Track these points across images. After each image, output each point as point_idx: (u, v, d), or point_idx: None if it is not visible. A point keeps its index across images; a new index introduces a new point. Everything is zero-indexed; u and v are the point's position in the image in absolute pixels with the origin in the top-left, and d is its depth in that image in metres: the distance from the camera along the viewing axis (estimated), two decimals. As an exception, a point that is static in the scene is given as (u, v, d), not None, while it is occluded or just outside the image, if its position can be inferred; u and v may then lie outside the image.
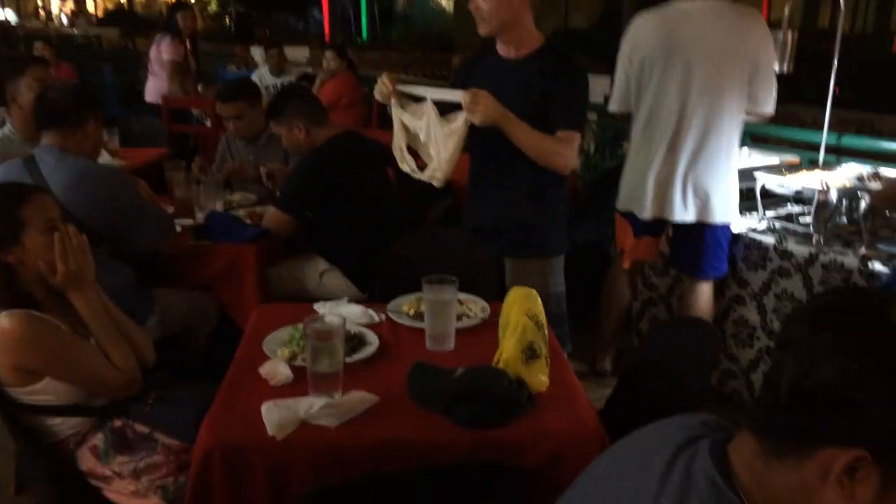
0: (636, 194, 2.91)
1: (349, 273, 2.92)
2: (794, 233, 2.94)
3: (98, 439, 1.82)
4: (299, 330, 1.88)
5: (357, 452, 1.53)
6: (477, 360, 1.77)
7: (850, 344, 0.80)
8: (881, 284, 2.52)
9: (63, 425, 1.81)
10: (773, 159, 3.27)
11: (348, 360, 1.77)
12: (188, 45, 5.92)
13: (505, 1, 2.33)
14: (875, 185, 2.79)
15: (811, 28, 11.82)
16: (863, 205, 2.79)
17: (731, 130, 2.78)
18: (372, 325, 2.06)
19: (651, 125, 2.83)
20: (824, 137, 3.35)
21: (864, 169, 3.01)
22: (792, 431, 0.83)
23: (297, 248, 3.07)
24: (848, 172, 3.08)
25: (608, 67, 3.42)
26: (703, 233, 2.89)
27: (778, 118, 3.13)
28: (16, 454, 1.94)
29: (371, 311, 2.13)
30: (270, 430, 1.53)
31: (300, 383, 1.70)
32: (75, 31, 15.92)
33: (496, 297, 2.17)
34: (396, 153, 2.42)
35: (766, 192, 3.03)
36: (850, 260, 2.67)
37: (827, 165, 3.27)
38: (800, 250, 2.81)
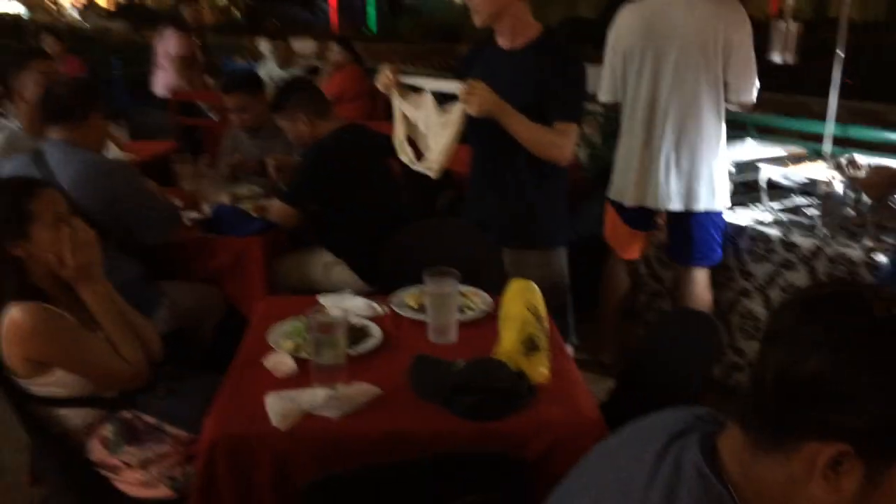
0: (621, 183, 3.00)
1: (355, 266, 2.94)
2: (800, 225, 2.94)
3: (107, 430, 1.85)
4: (303, 322, 1.90)
5: (359, 443, 1.56)
6: (479, 352, 1.79)
7: (833, 338, 0.80)
8: (879, 276, 2.52)
9: (73, 416, 1.84)
10: (779, 150, 3.27)
11: (351, 351, 1.80)
12: (195, 37, 5.93)
13: None
14: (857, 173, 2.78)
15: (822, 18, 11.70)
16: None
17: (711, 119, 2.83)
18: (375, 318, 2.08)
19: (632, 114, 2.91)
20: (829, 128, 3.33)
21: (843, 158, 3.01)
22: (777, 425, 0.84)
23: (303, 241, 3.10)
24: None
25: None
26: (689, 220, 2.93)
27: (786, 109, 3.12)
28: (30, 446, 1.98)
29: (374, 304, 2.15)
30: (274, 421, 1.55)
31: (304, 375, 1.72)
32: (86, 23, 15.96)
33: (499, 289, 2.19)
34: (396, 144, 2.44)
35: (772, 184, 3.03)
36: (856, 252, 2.67)
37: (833, 157, 3.26)
38: (805, 243, 2.81)
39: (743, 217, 3.05)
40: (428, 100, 2.32)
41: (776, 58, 2.81)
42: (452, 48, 11.26)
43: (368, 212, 2.93)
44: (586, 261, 3.24)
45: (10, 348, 1.76)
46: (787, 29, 2.93)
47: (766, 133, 3.96)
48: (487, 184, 2.58)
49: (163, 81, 5.88)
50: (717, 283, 3.13)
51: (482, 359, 1.71)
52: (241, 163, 3.43)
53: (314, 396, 1.60)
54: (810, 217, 2.95)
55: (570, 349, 2.62)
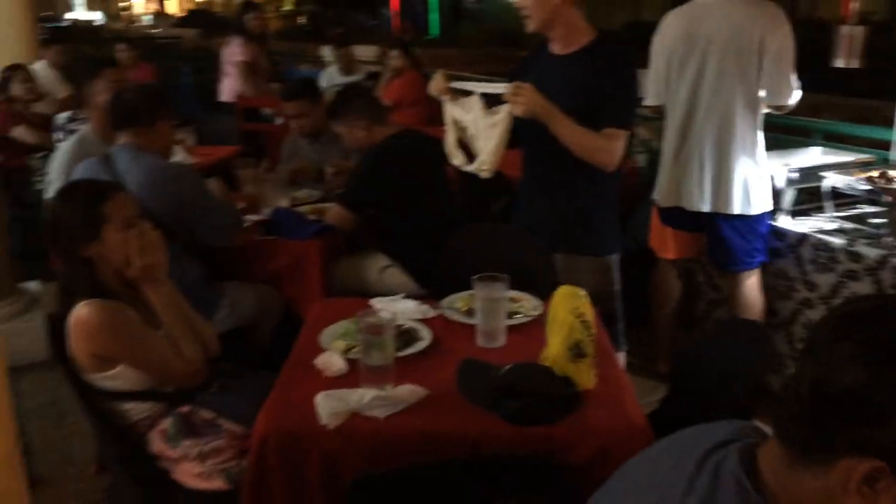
0: (660, 182, 3.05)
1: (411, 269, 2.97)
2: (866, 234, 2.84)
3: (167, 423, 1.91)
4: (354, 324, 1.95)
5: (406, 443, 1.58)
6: (527, 356, 1.80)
7: (868, 353, 0.79)
8: None
9: (135, 410, 1.92)
10: (846, 157, 3.17)
11: (401, 353, 1.83)
12: (260, 45, 6.08)
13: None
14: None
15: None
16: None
17: (746, 122, 2.82)
18: (426, 321, 2.10)
19: (672, 116, 2.96)
20: (896, 134, 3.22)
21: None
22: (812, 440, 0.84)
23: (360, 245, 3.15)
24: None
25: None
26: (722, 223, 2.93)
27: (855, 114, 3.04)
28: (96, 438, 2.07)
29: (425, 307, 2.18)
30: (323, 420, 1.59)
31: (353, 375, 1.76)
32: (157, 31, 16.56)
33: (550, 294, 2.19)
34: (447, 148, 2.46)
35: (837, 192, 2.94)
36: (924, 262, 2.57)
37: (904, 164, 3.15)
38: (871, 253, 2.72)
39: (806, 225, 2.98)
40: (476, 102, 2.34)
41: (840, 63, 2.74)
42: (513, 54, 11.24)
43: (425, 216, 2.96)
44: (641, 267, 3.21)
45: (78, 344, 1.85)
46: (853, 33, 2.85)
47: (833, 140, 3.84)
48: (537, 188, 2.58)
49: (229, 88, 6.06)
50: (778, 292, 3.06)
51: (528, 363, 1.72)
52: (300, 169, 3.51)
53: (362, 396, 1.64)
54: (876, 226, 2.85)
55: (621, 357, 2.60)
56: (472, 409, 1.66)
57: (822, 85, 3.82)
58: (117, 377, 1.88)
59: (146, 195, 2.39)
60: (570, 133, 2.31)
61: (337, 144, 3.36)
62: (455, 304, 2.19)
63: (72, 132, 3.54)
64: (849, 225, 2.92)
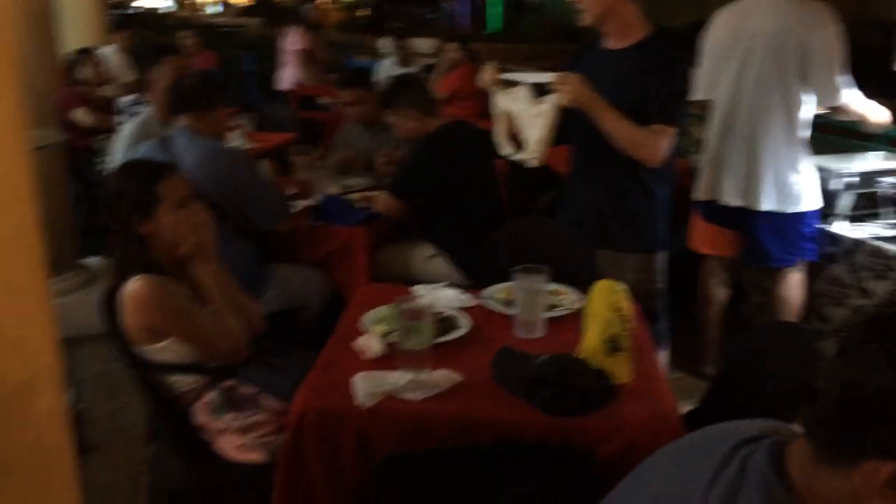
0: (700, 176, 3.06)
1: (456, 260, 3.00)
2: (923, 242, 2.76)
3: (211, 397, 1.98)
4: (394, 308, 1.98)
5: (438, 426, 1.61)
6: (564, 348, 1.80)
7: (893, 358, 0.79)
8: None
9: (181, 382, 1.99)
10: (907, 163, 3.08)
11: (439, 340, 1.85)
12: (318, 35, 6.18)
13: None
14: None
15: None
16: None
17: (784, 120, 2.79)
18: (466, 309, 2.13)
19: (714, 112, 2.96)
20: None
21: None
22: (839, 440, 0.84)
23: (406, 233, 3.19)
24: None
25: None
26: (753, 220, 2.91)
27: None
28: (146, 409, 2.15)
29: (466, 296, 2.20)
30: (359, 399, 1.63)
31: (391, 358, 1.79)
32: (221, 20, 16.94)
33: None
34: (496, 138, 2.47)
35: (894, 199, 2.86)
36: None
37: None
38: (928, 260, 2.65)
39: (862, 231, 2.90)
40: (524, 91, 2.34)
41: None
42: (574, 48, 11.04)
43: (471, 207, 2.98)
44: (689, 268, 3.17)
45: (129, 317, 1.93)
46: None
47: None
48: (582, 183, 2.57)
49: (287, 76, 6.18)
50: (831, 298, 2.99)
51: (564, 355, 1.73)
52: (350, 158, 3.57)
53: (398, 379, 1.67)
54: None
55: (663, 355, 2.58)
56: (507, 397, 1.68)
57: (888, 89, 3.70)
58: (165, 350, 1.95)
59: (201, 177, 2.46)
60: (614, 125, 2.30)
61: (388, 134, 3.40)
62: (496, 295, 2.20)
63: (135, 115, 3.67)
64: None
